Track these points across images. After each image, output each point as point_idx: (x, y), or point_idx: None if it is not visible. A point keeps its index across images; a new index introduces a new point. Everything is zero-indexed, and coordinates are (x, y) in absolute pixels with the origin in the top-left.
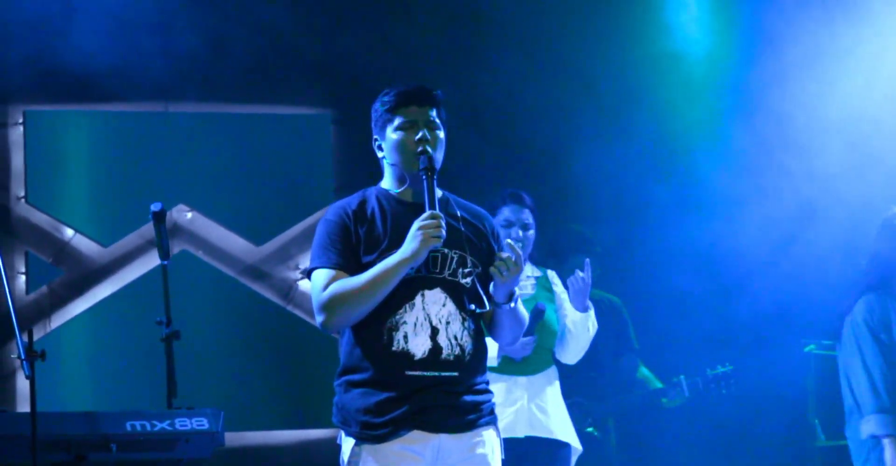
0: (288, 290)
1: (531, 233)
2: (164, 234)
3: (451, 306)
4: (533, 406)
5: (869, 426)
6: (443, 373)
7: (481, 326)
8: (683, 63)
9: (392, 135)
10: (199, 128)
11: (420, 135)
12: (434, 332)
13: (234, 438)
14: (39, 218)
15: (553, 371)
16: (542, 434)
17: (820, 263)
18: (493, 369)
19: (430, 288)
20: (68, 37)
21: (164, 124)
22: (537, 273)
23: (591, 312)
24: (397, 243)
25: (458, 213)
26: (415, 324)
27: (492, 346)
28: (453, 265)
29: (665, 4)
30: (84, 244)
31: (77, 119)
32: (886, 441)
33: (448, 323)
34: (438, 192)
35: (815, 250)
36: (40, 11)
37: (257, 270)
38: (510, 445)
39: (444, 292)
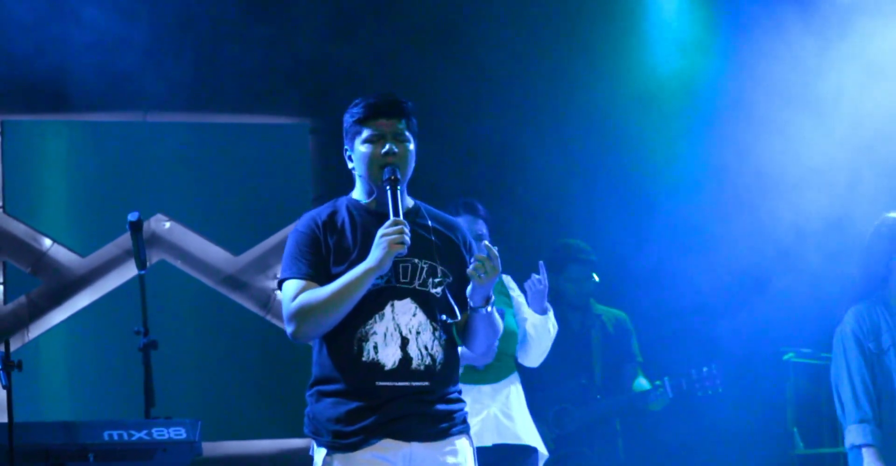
0: (266, 300)
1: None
2: (141, 244)
3: (421, 316)
4: (500, 413)
5: (850, 436)
6: (413, 383)
7: (454, 336)
8: (660, 100)
9: (360, 147)
10: (177, 138)
11: (386, 148)
12: (404, 342)
13: (212, 448)
14: (17, 228)
15: (515, 376)
16: (510, 440)
17: (804, 278)
18: None
19: (400, 298)
20: (47, 46)
21: (142, 134)
22: None
23: (551, 314)
24: (367, 253)
25: (430, 223)
26: (385, 335)
27: None
28: (423, 275)
29: (644, 39)
30: (62, 254)
31: (55, 129)
32: (864, 451)
33: (419, 332)
34: (410, 202)
35: (802, 267)
36: (19, 21)
37: (236, 280)
38: (479, 454)
39: (415, 302)
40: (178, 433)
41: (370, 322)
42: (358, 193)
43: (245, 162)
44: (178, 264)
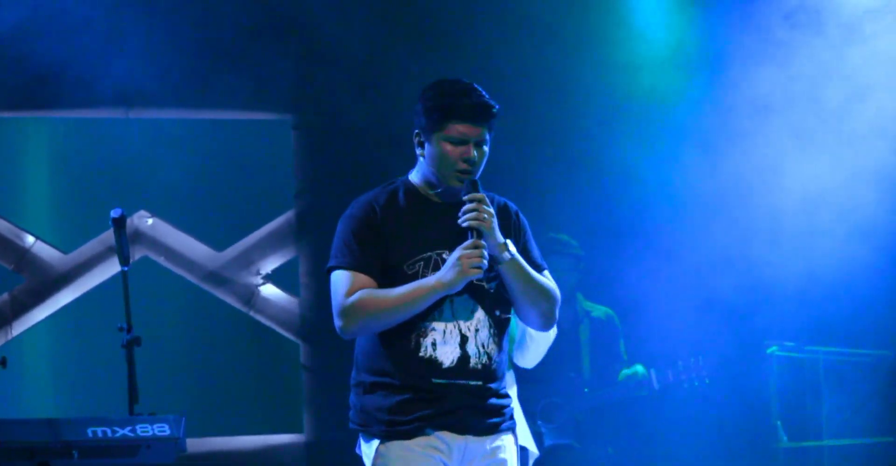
0: (250, 296)
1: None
2: (124, 240)
3: (479, 313)
4: None
5: None
6: (469, 382)
7: (505, 332)
8: (656, 94)
9: (439, 143)
10: (159, 134)
11: (468, 154)
12: (463, 340)
13: (197, 444)
14: (0, 225)
15: (510, 376)
16: None
17: (789, 271)
18: None
19: (459, 294)
20: (28, 44)
21: (124, 130)
22: None
23: None
24: (423, 245)
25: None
26: (444, 332)
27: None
28: None
29: (638, 40)
30: (45, 251)
31: (37, 125)
32: None
33: (477, 330)
34: None
35: (789, 260)
36: (1, 18)
37: (219, 276)
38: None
39: (472, 298)
40: (161, 429)
41: (429, 318)
42: (417, 178)
43: (227, 158)
44: (162, 260)
